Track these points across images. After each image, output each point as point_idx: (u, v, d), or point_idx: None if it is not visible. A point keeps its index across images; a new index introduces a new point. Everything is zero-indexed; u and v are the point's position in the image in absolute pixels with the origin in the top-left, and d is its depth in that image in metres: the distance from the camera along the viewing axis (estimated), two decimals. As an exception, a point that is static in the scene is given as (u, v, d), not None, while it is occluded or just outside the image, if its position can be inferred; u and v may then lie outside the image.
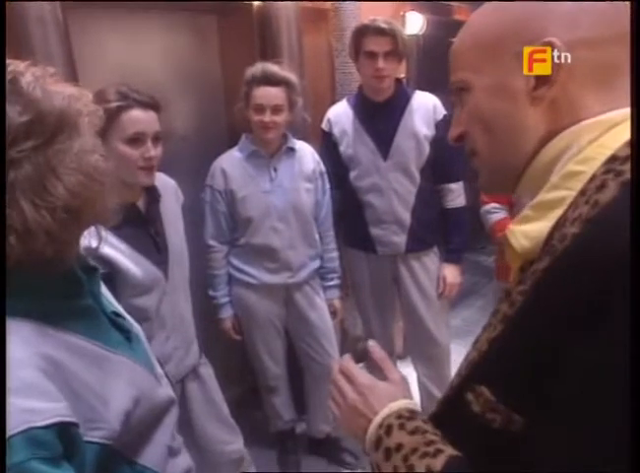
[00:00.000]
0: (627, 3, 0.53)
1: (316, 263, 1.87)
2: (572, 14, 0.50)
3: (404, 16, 2.43)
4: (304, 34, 1.96)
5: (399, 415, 0.59)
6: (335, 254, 1.93)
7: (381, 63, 1.67)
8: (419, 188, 1.85)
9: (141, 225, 1.26)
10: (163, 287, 1.28)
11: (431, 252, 1.96)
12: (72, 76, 1.32)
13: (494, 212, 1.84)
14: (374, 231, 1.90)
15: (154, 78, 1.90)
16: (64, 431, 0.54)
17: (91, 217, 0.62)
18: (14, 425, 0.50)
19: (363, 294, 2.06)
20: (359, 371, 0.67)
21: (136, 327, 0.85)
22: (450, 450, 0.53)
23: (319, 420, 2.05)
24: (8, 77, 0.55)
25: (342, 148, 1.86)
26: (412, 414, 0.60)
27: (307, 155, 1.81)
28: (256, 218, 1.73)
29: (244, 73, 1.66)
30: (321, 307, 1.91)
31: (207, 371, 1.49)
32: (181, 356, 1.36)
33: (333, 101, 2.06)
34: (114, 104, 1.15)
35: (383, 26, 1.64)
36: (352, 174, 1.87)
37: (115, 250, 1.17)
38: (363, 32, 1.69)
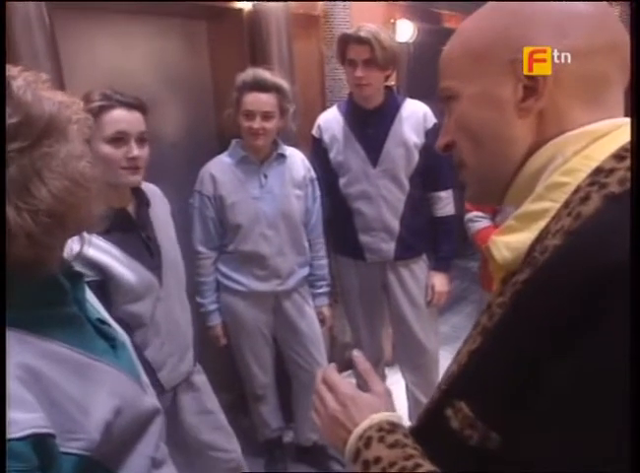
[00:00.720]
0: (615, 11, 0.53)
1: (305, 270, 1.86)
2: (560, 24, 0.50)
3: (394, 23, 2.43)
4: (295, 41, 1.96)
5: (380, 428, 0.59)
6: (324, 262, 1.92)
7: (359, 71, 1.68)
8: (409, 196, 1.85)
9: (132, 229, 1.24)
10: (157, 292, 1.26)
11: (420, 260, 1.96)
12: (59, 80, 1.30)
13: (477, 220, 1.85)
14: (363, 238, 1.89)
15: (143, 83, 1.89)
16: (40, 442, 0.53)
17: (75, 223, 0.61)
18: None
19: (352, 301, 2.06)
20: (342, 381, 0.66)
21: (121, 335, 0.83)
22: (428, 466, 0.53)
23: (307, 428, 2.04)
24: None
25: (331, 154, 1.86)
26: (393, 427, 0.59)
27: (298, 161, 1.80)
28: (245, 224, 1.71)
29: (235, 79, 1.65)
30: (310, 315, 1.89)
31: (201, 379, 1.47)
32: (175, 363, 1.34)
33: (323, 108, 2.06)
34: (96, 104, 1.14)
35: (362, 34, 1.65)
36: (342, 181, 1.87)
37: (108, 256, 1.16)
38: (346, 40, 1.70)
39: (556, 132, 0.50)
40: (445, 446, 0.52)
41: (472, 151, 0.57)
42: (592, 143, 0.48)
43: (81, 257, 1.07)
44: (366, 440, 0.58)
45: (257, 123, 1.62)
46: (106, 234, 1.16)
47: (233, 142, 1.75)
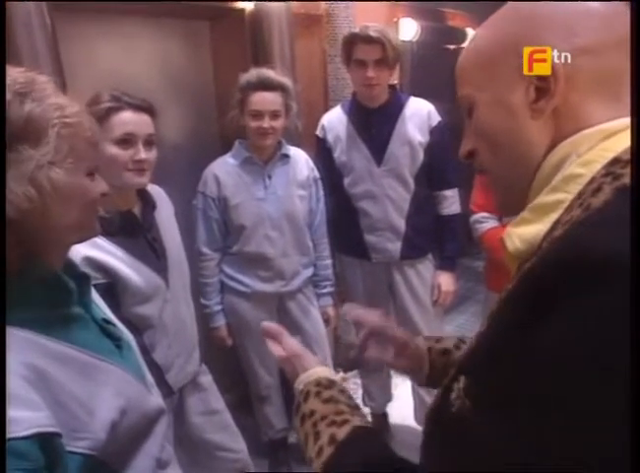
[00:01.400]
0: (626, 5, 0.52)
1: (309, 271, 1.86)
2: (569, 23, 0.50)
3: (397, 22, 2.42)
4: (297, 40, 1.95)
5: (317, 383, 0.64)
6: (328, 262, 1.91)
7: (371, 72, 1.67)
8: (414, 195, 1.84)
9: (138, 232, 1.24)
10: (164, 294, 1.26)
11: (426, 260, 1.95)
12: (60, 82, 1.29)
13: (484, 221, 1.84)
14: (368, 238, 1.88)
15: (145, 84, 1.88)
16: (46, 441, 0.53)
17: (37, 230, 0.59)
18: None
19: (358, 301, 2.04)
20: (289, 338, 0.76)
21: (127, 335, 0.84)
22: (357, 421, 0.57)
23: (312, 429, 2.02)
24: None
25: (336, 154, 1.85)
26: (330, 383, 0.64)
27: (302, 161, 1.80)
28: (249, 226, 1.71)
29: (237, 79, 1.65)
30: (314, 316, 1.89)
31: (207, 380, 1.47)
32: (182, 363, 1.34)
33: (326, 108, 2.06)
34: (105, 105, 1.14)
35: (372, 34, 1.63)
36: (346, 181, 1.86)
37: (115, 258, 1.16)
38: (353, 40, 1.68)
39: (572, 130, 0.50)
40: (446, 422, 0.51)
41: (491, 158, 0.57)
42: (607, 138, 0.48)
43: (89, 260, 1.09)
44: (305, 395, 0.63)
45: (266, 123, 1.62)
46: (113, 236, 1.16)
47: (237, 143, 1.75)
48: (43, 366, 0.58)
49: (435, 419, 0.57)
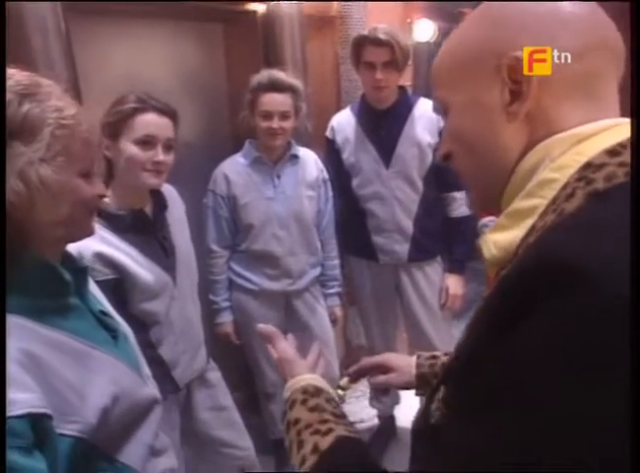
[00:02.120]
0: (599, 8, 0.52)
1: (317, 271, 1.87)
2: (545, 26, 0.49)
3: (411, 23, 2.42)
4: (310, 42, 1.96)
5: (304, 390, 0.64)
6: (336, 262, 1.92)
7: (379, 74, 1.67)
8: (423, 197, 1.84)
9: (149, 230, 1.27)
10: (172, 291, 1.29)
11: (434, 262, 1.94)
12: (74, 83, 1.33)
13: (491, 225, 1.81)
14: (376, 239, 1.89)
15: (159, 86, 1.91)
16: (36, 421, 0.56)
17: (22, 222, 0.62)
18: None
19: (365, 302, 2.05)
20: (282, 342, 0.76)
21: (124, 327, 0.86)
22: (341, 431, 0.57)
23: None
24: None
25: (344, 156, 1.86)
26: (316, 391, 0.64)
27: (311, 162, 1.81)
28: (257, 224, 1.73)
29: (249, 80, 1.67)
30: (321, 315, 1.90)
31: (215, 376, 1.50)
32: (188, 360, 1.37)
33: (338, 109, 2.06)
34: (130, 106, 1.17)
35: (381, 36, 1.63)
36: (355, 182, 1.86)
37: (125, 256, 1.19)
38: (362, 42, 1.68)
39: (546, 134, 0.50)
40: (427, 434, 0.52)
41: (466, 160, 0.56)
42: (581, 142, 0.47)
43: (99, 255, 1.13)
44: (291, 403, 0.63)
45: (275, 123, 1.64)
46: (124, 233, 1.20)
47: (247, 143, 1.77)
48: (37, 351, 0.61)
49: (417, 432, 0.58)
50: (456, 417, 0.44)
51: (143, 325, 1.24)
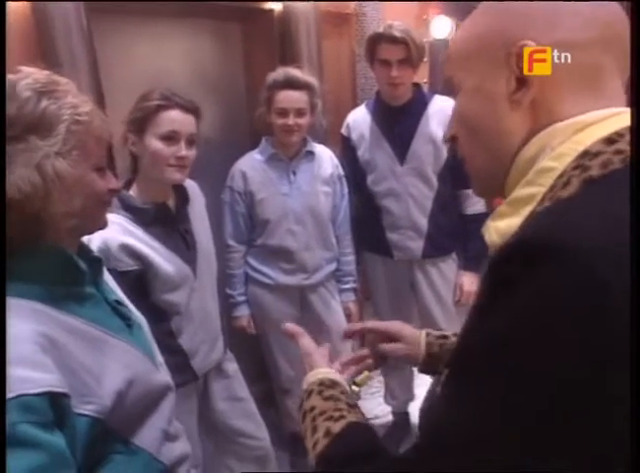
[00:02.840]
0: (615, 5, 0.53)
1: (332, 266, 1.89)
2: (552, 17, 0.51)
3: (427, 20, 2.41)
4: (327, 39, 1.98)
5: (321, 382, 0.67)
6: (351, 258, 1.94)
7: (394, 71, 1.68)
8: (437, 193, 1.84)
9: (171, 223, 1.31)
10: (192, 283, 1.33)
11: (449, 258, 1.94)
12: (95, 81, 1.37)
13: None
14: (391, 235, 1.90)
15: (178, 83, 1.95)
16: (55, 400, 0.59)
17: (38, 213, 0.65)
18: (10, 391, 0.55)
19: (380, 298, 2.06)
20: (307, 340, 0.79)
21: (138, 316, 0.89)
22: (353, 417, 0.59)
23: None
24: (11, 79, 0.63)
25: (359, 152, 1.88)
26: (332, 384, 0.67)
27: (326, 158, 1.83)
28: (273, 220, 1.76)
29: (266, 78, 1.70)
30: (336, 310, 1.92)
31: (232, 367, 1.53)
32: (207, 350, 1.40)
33: (354, 106, 2.08)
34: (155, 103, 1.21)
35: (396, 34, 1.64)
36: (370, 179, 1.87)
37: (149, 248, 1.23)
38: (377, 39, 1.70)
39: (548, 123, 0.51)
40: (430, 411, 0.54)
41: (469, 143, 0.58)
42: (580, 131, 0.49)
43: (124, 247, 1.17)
44: (308, 393, 0.67)
45: (291, 120, 1.66)
46: (148, 226, 1.25)
47: (263, 139, 1.80)
48: (56, 336, 0.64)
49: (423, 411, 0.59)
50: (445, 395, 0.46)
51: (164, 315, 1.28)
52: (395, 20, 1.75)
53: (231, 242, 1.82)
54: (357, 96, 2.21)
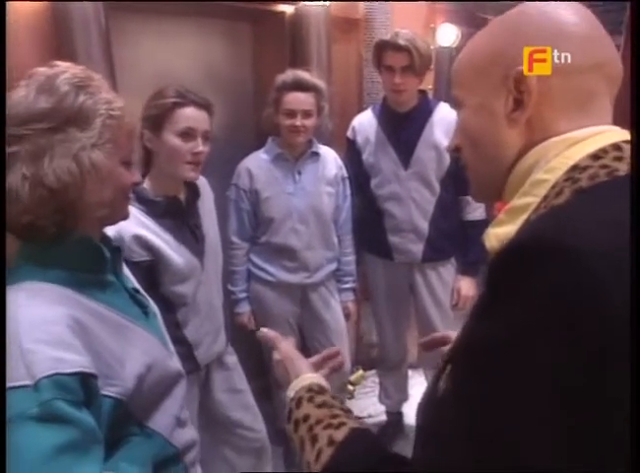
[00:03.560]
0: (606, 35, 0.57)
1: (333, 265, 1.92)
2: (550, 42, 0.54)
3: (434, 28, 2.45)
4: (335, 44, 2.01)
5: (309, 388, 0.65)
6: (352, 258, 1.97)
7: (398, 78, 1.72)
8: (439, 199, 1.88)
9: (182, 217, 1.35)
10: (199, 276, 1.36)
11: (448, 263, 1.99)
12: (111, 77, 1.40)
13: None
14: (392, 238, 1.93)
15: (188, 81, 1.97)
16: (85, 381, 0.62)
17: (74, 202, 0.68)
18: (43, 369, 0.58)
19: (379, 299, 2.10)
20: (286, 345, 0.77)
21: (152, 305, 0.93)
22: (352, 423, 0.58)
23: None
24: (49, 73, 0.67)
25: (364, 156, 1.91)
26: (321, 389, 0.66)
27: (331, 160, 1.86)
28: (278, 218, 1.79)
29: (275, 79, 1.73)
30: (335, 309, 1.95)
31: (232, 360, 1.56)
32: (210, 342, 1.44)
33: (360, 110, 2.11)
34: (171, 100, 1.24)
35: (401, 42, 1.69)
36: (373, 182, 1.91)
37: (160, 239, 1.27)
38: (383, 46, 1.75)
39: (542, 139, 0.56)
40: (432, 408, 0.56)
41: (471, 155, 0.63)
42: (571, 146, 0.53)
43: (137, 238, 1.21)
44: (297, 401, 0.64)
45: (298, 121, 1.70)
46: (160, 218, 1.28)
47: (270, 139, 1.83)
48: (83, 319, 0.67)
49: (423, 406, 0.62)
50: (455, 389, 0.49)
51: (171, 306, 1.31)
52: (403, 27, 1.80)
53: (235, 239, 1.85)
54: (364, 100, 2.24)
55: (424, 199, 1.87)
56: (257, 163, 1.81)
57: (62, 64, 0.70)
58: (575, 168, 0.51)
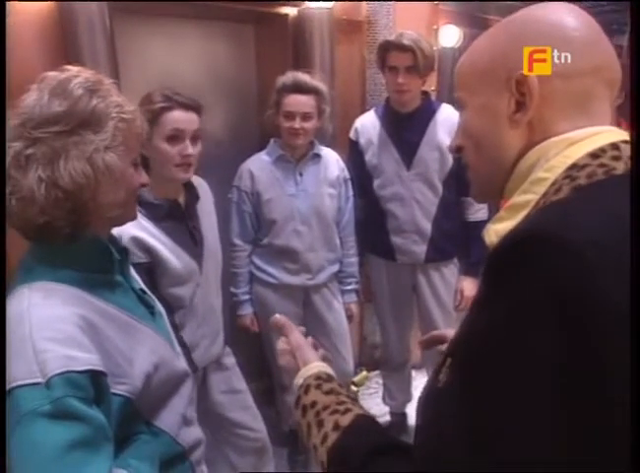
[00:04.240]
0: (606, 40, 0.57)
1: (335, 267, 1.92)
2: (552, 45, 0.55)
3: (437, 29, 2.45)
4: (338, 46, 2.02)
5: (317, 376, 0.67)
6: (354, 259, 1.97)
7: (401, 78, 1.72)
8: (442, 199, 1.88)
9: (181, 219, 1.35)
10: (197, 279, 1.37)
11: (451, 263, 1.98)
12: (115, 79, 1.41)
13: None
14: (395, 239, 1.93)
15: (192, 83, 1.99)
16: (96, 378, 0.63)
17: (88, 203, 0.69)
18: (54, 367, 0.59)
19: (382, 300, 2.10)
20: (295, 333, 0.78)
21: (159, 305, 0.94)
22: (358, 410, 0.60)
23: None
24: (61, 77, 0.68)
25: (367, 157, 1.91)
26: (329, 377, 0.67)
27: (332, 161, 1.86)
28: (280, 220, 1.79)
29: (276, 81, 1.73)
30: (338, 310, 1.95)
31: (230, 361, 1.57)
32: (207, 345, 1.44)
33: (363, 111, 2.11)
34: (158, 106, 1.25)
35: (405, 42, 1.69)
36: (376, 183, 1.91)
37: (159, 242, 1.28)
38: (387, 47, 1.75)
39: (542, 139, 0.57)
40: (433, 399, 0.56)
41: (473, 155, 0.64)
42: (571, 146, 0.54)
43: (136, 240, 1.21)
44: (306, 388, 0.67)
45: (297, 123, 1.70)
46: (159, 221, 1.29)
47: (272, 141, 1.84)
48: (93, 319, 0.68)
49: (424, 398, 0.62)
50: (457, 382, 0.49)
51: (169, 308, 1.31)
52: (406, 28, 1.80)
53: (237, 241, 1.85)
54: (366, 101, 2.25)
55: (427, 200, 1.87)
56: (259, 164, 1.81)
57: (73, 68, 0.71)
58: (574, 166, 0.52)
